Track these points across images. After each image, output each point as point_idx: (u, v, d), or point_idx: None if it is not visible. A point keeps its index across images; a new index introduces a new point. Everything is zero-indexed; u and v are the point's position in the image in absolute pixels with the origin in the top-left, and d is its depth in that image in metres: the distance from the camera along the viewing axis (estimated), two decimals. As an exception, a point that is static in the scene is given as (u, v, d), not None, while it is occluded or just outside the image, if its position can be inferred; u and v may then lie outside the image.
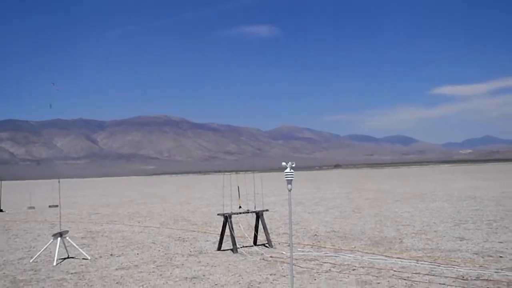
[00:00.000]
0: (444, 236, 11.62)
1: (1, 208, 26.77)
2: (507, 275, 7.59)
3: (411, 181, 49.24)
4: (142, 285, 7.88)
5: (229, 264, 9.33)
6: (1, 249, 12.50)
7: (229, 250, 10.73)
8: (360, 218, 16.26)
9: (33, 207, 27.76)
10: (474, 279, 7.37)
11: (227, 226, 10.85)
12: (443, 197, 23.98)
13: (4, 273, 9.36)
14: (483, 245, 10.23)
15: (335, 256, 9.65)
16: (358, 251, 10.16)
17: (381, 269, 8.34)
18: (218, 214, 11.73)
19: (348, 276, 7.91)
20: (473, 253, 9.45)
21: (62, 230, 10.98)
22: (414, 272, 7.99)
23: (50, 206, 27.98)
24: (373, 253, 9.81)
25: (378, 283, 7.41)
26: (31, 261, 10.46)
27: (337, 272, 8.26)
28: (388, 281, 7.49)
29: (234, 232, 10.87)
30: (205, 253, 10.73)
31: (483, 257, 9.03)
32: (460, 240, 10.97)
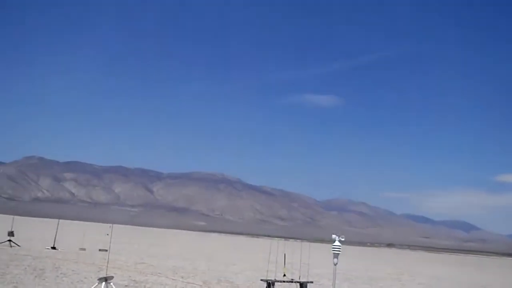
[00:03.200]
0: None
1: (55, 246, 27.65)
2: None
3: (470, 270, 46.28)
4: None
5: (267, 334, 9.00)
6: (49, 286, 12.79)
7: (269, 319, 10.40)
8: (410, 303, 15.33)
9: (84, 249, 28.42)
10: None
11: (270, 293, 10.58)
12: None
13: (47, 311, 9.52)
14: None
15: None
16: None
17: None
18: (261, 280, 11.51)
19: None
20: None
21: (107, 276, 11.12)
22: None
23: (100, 250, 28.57)
24: None
25: None
26: (74, 302, 10.59)
27: None
28: None
29: (276, 300, 10.56)
30: (244, 318, 10.45)
31: None
32: None
